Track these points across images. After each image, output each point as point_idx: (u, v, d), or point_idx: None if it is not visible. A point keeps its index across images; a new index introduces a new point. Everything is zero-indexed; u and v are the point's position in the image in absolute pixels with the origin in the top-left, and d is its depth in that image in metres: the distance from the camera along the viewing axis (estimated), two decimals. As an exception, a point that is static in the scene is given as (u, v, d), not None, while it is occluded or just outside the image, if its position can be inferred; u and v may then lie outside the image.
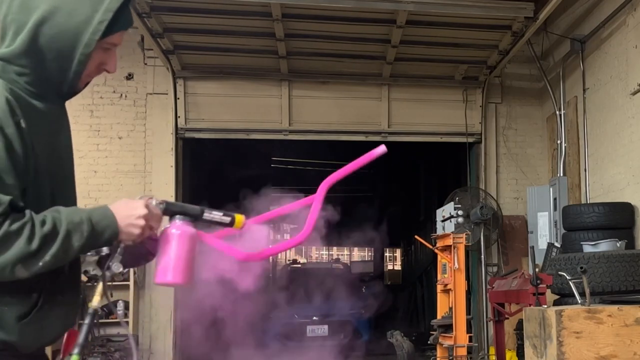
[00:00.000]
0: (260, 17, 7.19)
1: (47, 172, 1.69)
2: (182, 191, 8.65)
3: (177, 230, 1.77)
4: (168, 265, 1.75)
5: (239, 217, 1.89)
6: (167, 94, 8.50)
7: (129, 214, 1.67)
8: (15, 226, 1.50)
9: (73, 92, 1.75)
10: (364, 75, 8.77)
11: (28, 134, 1.60)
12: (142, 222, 1.67)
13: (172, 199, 8.40)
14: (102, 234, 1.63)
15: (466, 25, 7.42)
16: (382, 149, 1.95)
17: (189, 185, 8.93)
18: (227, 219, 1.86)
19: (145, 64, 8.52)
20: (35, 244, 1.51)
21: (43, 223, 1.54)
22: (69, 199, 1.81)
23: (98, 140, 8.34)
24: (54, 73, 1.66)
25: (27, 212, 1.55)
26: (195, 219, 1.81)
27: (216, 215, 1.85)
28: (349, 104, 8.82)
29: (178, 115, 8.47)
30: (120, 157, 8.37)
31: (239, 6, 6.91)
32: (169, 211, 1.80)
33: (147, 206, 1.71)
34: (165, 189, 8.37)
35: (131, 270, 7.96)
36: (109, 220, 1.65)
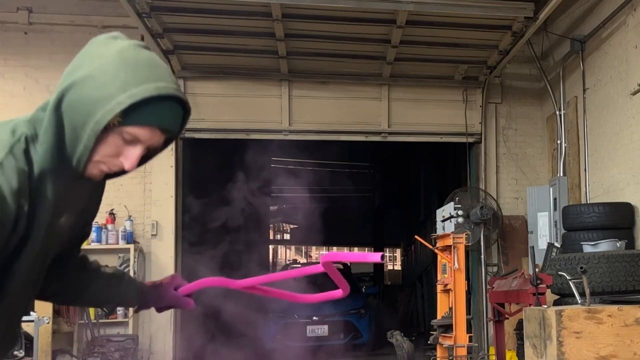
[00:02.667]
0: (260, 17, 7.19)
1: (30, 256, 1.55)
2: (182, 191, 8.66)
3: None
4: None
5: None
6: (167, 94, 8.48)
7: None
8: None
9: (87, 176, 1.59)
10: (364, 75, 8.78)
11: (24, 217, 1.48)
12: None
13: (172, 199, 8.42)
14: None
15: (466, 25, 7.42)
16: (376, 256, 1.79)
17: (189, 185, 8.93)
18: None
19: (146, 64, 8.51)
20: None
21: None
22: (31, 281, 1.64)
23: (98, 141, 8.33)
24: (67, 144, 1.52)
25: None
26: None
27: None
28: (349, 104, 8.82)
29: (178, 115, 8.45)
30: (120, 157, 8.35)
31: (239, 6, 6.91)
32: None
33: None
34: (165, 189, 8.38)
35: (131, 270, 7.97)
36: None
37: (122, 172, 1.63)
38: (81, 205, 1.72)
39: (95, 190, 1.77)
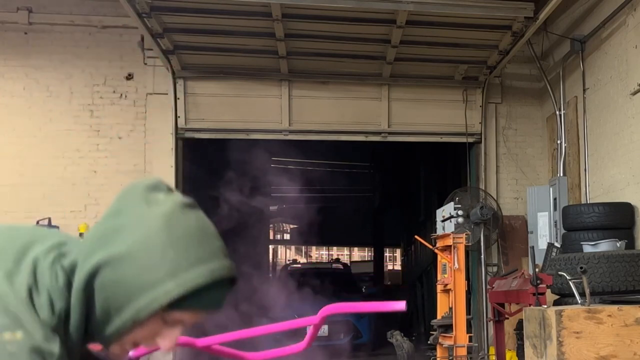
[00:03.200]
0: (260, 17, 7.19)
1: None
2: (182, 191, 8.65)
3: None
4: None
5: None
6: (167, 94, 8.50)
7: None
8: None
9: (108, 353, 1.42)
10: (364, 75, 8.77)
11: None
12: None
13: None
14: None
15: (466, 25, 7.42)
16: (401, 305, 1.60)
17: (189, 185, 8.93)
18: None
19: (145, 64, 8.51)
20: None
21: None
22: None
23: (98, 140, 8.34)
24: (94, 321, 1.34)
25: None
26: None
27: None
28: (349, 104, 8.82)
29: (178, 115, 8.47)
30: (120, 157, 8.36)
31: (239, 6, 6.91)
32: None
33: None
34: (165, 189, 8.37)
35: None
36: None
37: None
38: None
39: None
